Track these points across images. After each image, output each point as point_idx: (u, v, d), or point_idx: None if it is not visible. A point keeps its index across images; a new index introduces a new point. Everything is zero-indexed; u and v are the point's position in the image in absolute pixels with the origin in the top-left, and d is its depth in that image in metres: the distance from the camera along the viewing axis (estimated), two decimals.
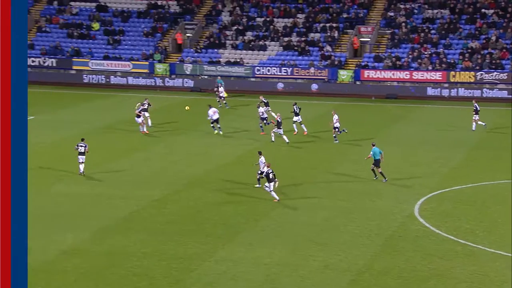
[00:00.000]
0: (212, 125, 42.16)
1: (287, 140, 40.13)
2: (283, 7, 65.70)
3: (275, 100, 55.14)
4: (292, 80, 60.15)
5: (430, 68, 58.29)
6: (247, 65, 61.44)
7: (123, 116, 48.08)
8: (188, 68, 61.67)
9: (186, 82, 60.73)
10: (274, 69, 60.54)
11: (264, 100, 46.75)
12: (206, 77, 61.12)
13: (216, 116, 41.98)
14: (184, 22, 65.66)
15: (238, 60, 61.81)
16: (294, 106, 42.84)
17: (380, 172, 33.20)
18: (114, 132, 43.38)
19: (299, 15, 65.09)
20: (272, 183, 29.99)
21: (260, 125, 42.51)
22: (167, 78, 61.31)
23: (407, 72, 58.43)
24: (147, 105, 44.28)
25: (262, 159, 31.59)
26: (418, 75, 58.29)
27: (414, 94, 57.33)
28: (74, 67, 62.82)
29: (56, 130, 43.17)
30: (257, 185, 31.89)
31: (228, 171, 35.22)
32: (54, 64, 62.81)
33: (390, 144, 40.87)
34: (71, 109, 50.78)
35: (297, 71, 60.21)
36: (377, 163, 33.12)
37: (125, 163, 36.48)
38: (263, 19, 65.03)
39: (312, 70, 59.96)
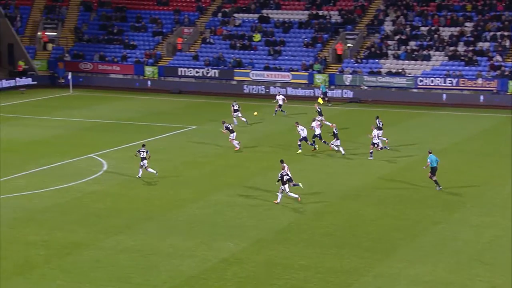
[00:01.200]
0: (299, 143, 40.67)
1: (343, 152, 39.96)
2: (450, 15, 64.16)
3: (438, 112, 54.06)
4: (458, 91, 58.53)
5: None
6: (409, 75, 60.55)
7: (279, 128, 48.94)
8: (347, 78, 61.75)
9: (345, 93, 60.80)
10: (438, 80, 59.23)
11: (318, 109, 46.94)
12: (366, 88, 60.92)
13: (304, 133, 40.17)
14: (344, 32, 65.83)
15: (400, 70, 61.06)
16: (377, 120, 42.03)
17: (434, 180, 33.17)
18: (272, 143, 44.24)
19: (467, 24, 63.27)
20: (286, 185, 31.16)
21: (313, 140, 41.20)
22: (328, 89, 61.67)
23: None
24: (237, 106, 47.89)
25: (285, 167, 31.80)
26: None
27: None
28: (236, 78, 64.77)
29: (217, 140, 44.66)
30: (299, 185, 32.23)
31: (386, 184, 34.88)
32: (217, 75, 65.09)
33: None
34: (230, 120, 52.25)
35: (463, 82, 58.51)
36: (433, 171, 32.97)
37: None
38: (427, 28, 63.83)
39: (479, 81, 58.04)
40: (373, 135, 39.39)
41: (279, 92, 54.79)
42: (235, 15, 70.39)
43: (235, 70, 64.78)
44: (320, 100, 55.48)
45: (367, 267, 24.80)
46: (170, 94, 62.95)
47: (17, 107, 56.00)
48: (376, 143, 39.37)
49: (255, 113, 48.01)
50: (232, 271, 24.48)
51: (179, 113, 53.71)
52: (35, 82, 65.75)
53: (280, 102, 52.81)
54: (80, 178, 35.36)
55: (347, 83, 61.50)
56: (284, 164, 32.26)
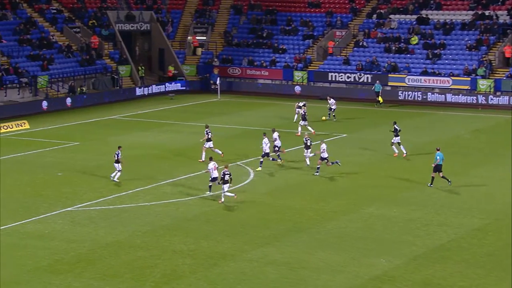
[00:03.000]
0: (261, 159, 38.84)
1: (307, 163, 38.82)
2: None
3: None
4: None
5: None
6: None
7: (439, 136, 47.75)
8: None
9: None
10: None
11: (303, 112, 47.44)
12: None
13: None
14: None
15: None
16: (395, 125, 41.15)
17: (432, 177, 35.02)
18: (430, 152, 43.19)
19: None
20: (226, 185, 32.49)
21: (277, 153, 39.68)
22: (491, 96, 59.53)
23: None
24: (302, 105, 49.83)
25: (212, 165, 33.67)
26: None
27: None
28: (390, 83, 63.87)
29: (369, 149, 44.23)
30: (209, 192, 33.98)
31: None
32: (370, 80, 64.47)
33: None
34: (383, 128, 51.61)
35: None
36: (439, 168, 34.75)
37: (443, 187, 36.12)
38: None
39: None
40: (321, 150, 37.54)
41: (330, 97, 53.75)
42: (391, 16, 69.47)
43: (390, 75, 63.89)
44: (380, 99, 58.08)
45: None
46: (319, 100, 62.99)
47: (166, 112, 58.13)
48: (325, 158, 37.44)
49: (324, 118, 49.12)
50: None
51: (328, 120, 53.61)
52: (183, 88, 68.05)
53: (333, 106, 52.24)
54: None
55: None
56: (214, 162, 33.94)
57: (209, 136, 40.77)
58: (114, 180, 36.30)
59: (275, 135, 40.41)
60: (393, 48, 66.09)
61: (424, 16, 68.07)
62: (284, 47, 70.01)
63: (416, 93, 61.92)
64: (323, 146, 37.76)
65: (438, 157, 34.91)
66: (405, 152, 41.66)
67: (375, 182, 37.18)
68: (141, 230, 29.66)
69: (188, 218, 31.41)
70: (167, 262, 26.25)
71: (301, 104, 51.31)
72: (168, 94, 65.75)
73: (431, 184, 35.33)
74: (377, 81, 61.53)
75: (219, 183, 33.33)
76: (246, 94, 66.46)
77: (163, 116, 55.93)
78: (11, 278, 24.71)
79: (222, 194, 33.04)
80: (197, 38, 73.45)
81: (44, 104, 57.76)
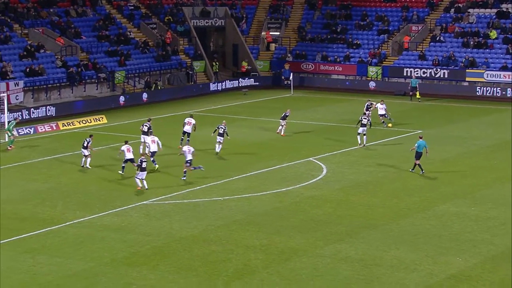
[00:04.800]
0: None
1: (217, 150, 38.64)
2: None
3: None
4: None
5: None
6: None
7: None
8: None
9: None
10: None
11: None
12: None
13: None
14: None
15: None
16: (363, 117, 42.79)
17: (418, 164, 36.47)
18: (506, 149, 42.26)
19: None
20: (144, 172, 33.79)
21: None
22: None
23: None
24: (370, 104, 48.74)
25: (125, 147, 35.76)
26: None
27: None
28: (467, 79, 62.75)
29: (444, 145, 43.59)
30: (121, 172, 36.30)
31: None
32: (446, 76, 63.48)
33: None
34: (460, 124, 50.83)
35: None
36: (418, 155, 36.39)
37: None
38: None
39: None
40: (183, 151, 36.17)
41: (382, 100, 50.69)
42: (470, 10, 68.18)
43: (467, 71, 62.76)
44: (417, 94, 58.00)
45: None
46: (394, 96, 62.34)
47: (239, 108, 58.48)
48: (189, 161, 35.76)
49: (390, 125, 48.40)
50: None
51: (404, 116, 53.07)
52: (257, 83, 68.31)
53: (382, 112, 48.70)
54: (299, 182, 36.09)
55: None
56: (128, 145, 35.79)
57: (144, 130, 40.47)
58: (87, 167, 38.27)
59: (149, 139, 38.73)
60: (471, 42, 64.87)
61: (505, 10, 66.56)
62: (358, 42, 69.51)
63: (495, 89, 60.66)
64: (186, 149, 36.10)
65: (416, 145, 36.63)
66: (362, 143, 42.47)
67: (450, 179, 36.63)
68: (215, 225, 29.98)
69: (261, 213, 31.58)
70: (240, 257, 26.46)
71: (369, 103, 49.28)
72: (241, 89, 66.11)
73: (422, 171, 36.71)
74: (414, 76, 61.34)
75: (136, 169, 34.47)
76: (319, 89, 66.29)
77: (236, 112, 56.27)
78: (89, 270, 25.34)
79: (140, 180, 34.12)
80: (271, 33, 73.60)
81: (121, 99, 58.89)
